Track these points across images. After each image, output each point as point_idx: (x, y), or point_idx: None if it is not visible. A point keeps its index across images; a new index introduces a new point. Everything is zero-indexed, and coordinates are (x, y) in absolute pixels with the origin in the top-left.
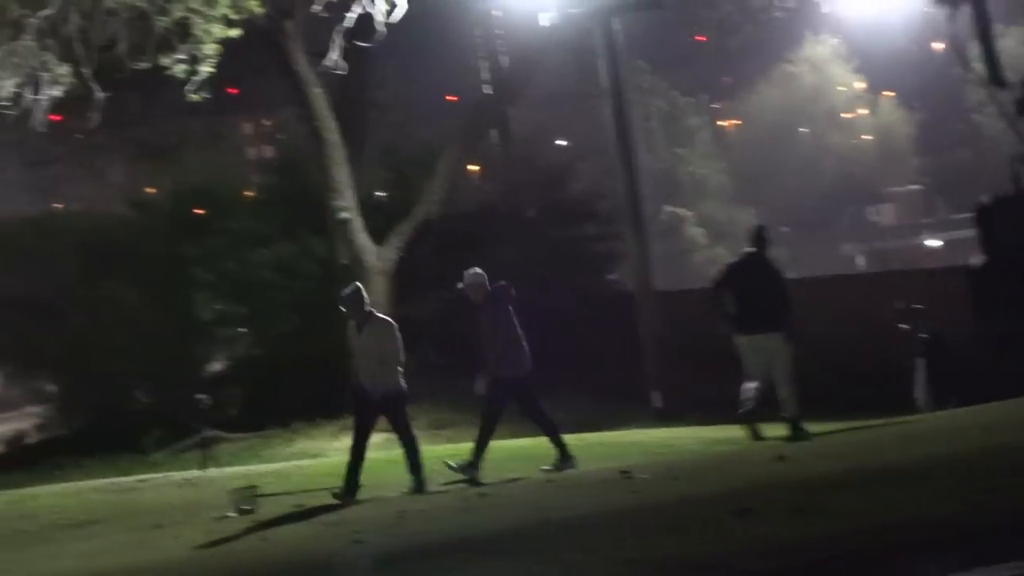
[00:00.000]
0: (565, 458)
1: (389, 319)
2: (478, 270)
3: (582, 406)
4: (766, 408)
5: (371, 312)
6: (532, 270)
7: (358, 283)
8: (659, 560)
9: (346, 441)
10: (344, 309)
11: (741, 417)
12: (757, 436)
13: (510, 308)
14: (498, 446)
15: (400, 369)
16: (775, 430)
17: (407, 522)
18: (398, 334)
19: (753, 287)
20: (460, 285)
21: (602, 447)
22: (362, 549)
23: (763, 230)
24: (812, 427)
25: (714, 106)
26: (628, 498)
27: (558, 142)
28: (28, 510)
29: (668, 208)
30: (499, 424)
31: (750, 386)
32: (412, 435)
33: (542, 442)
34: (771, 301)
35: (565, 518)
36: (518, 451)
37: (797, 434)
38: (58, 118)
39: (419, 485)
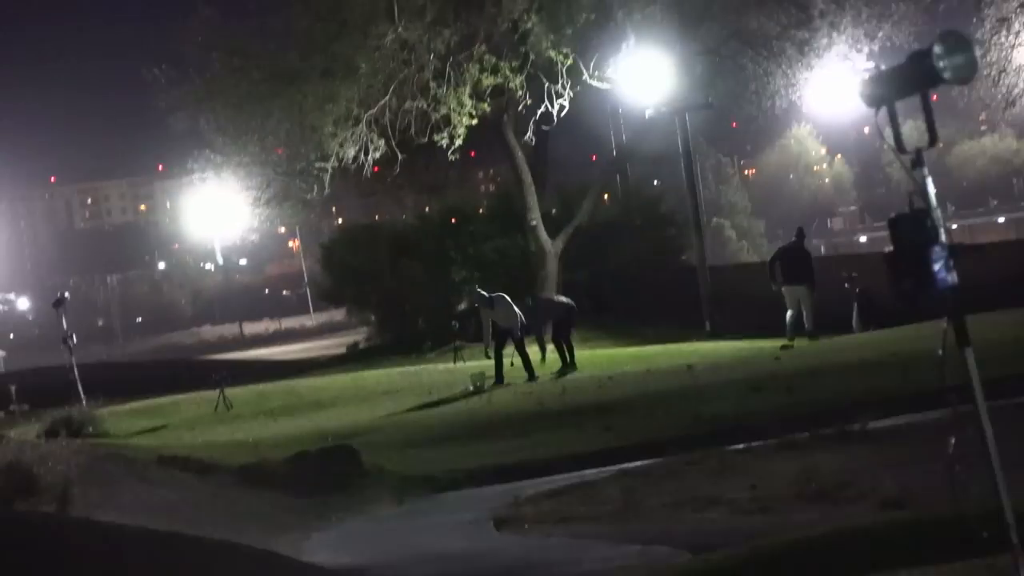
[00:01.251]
0: (564, 368)
1: (504, 296)
2: (479, 289)
3: (665, 329)
4: (797, 327)
5: (492, 297)
6: (639, 255)
7: (478, 290)
8: (711, 417)
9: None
10: (476, 302)
11: (788, 331)
12: (792, 342)
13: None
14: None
15: (519, 320)
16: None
17: (567, 393)
18: (511, 304)
19: (791, 259)
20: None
21: (677, 353)
22: (543, 408)
23: (802, 229)
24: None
25: (741, 161)
26: (692, 382)
27: (655, 182)
28: (363, 384)
29: (715, 219)
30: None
31: (790, 314)
32: (524, 352)
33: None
34: (802, 266)
35: (658, 391)
36: (629, 357)
37: (812, 340)
38: (376, 169)
39: (531, 377)
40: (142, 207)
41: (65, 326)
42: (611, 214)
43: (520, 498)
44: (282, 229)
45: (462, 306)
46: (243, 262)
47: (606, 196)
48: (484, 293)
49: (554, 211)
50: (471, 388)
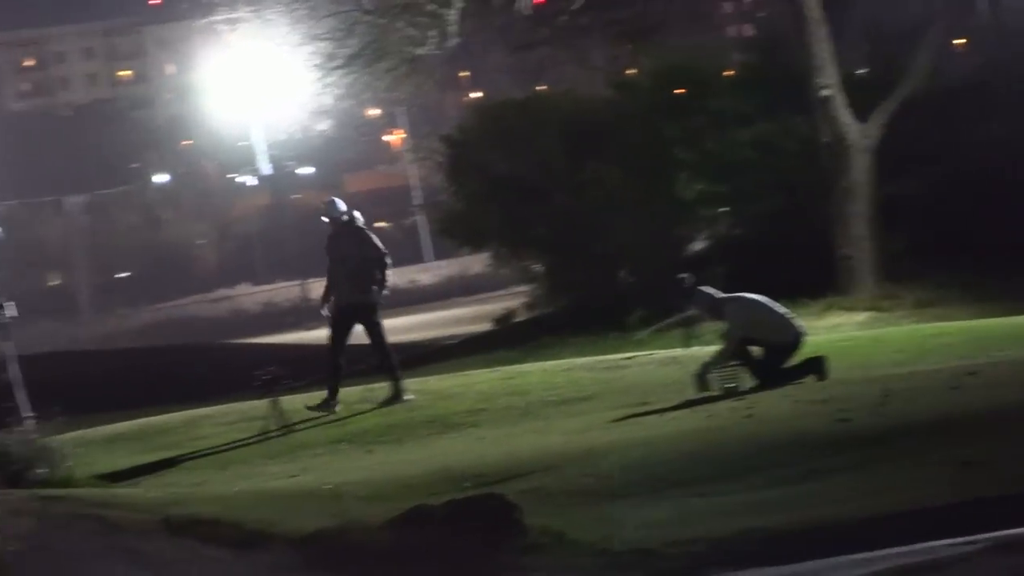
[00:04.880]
0: None
1: (747, 297)
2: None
3: None
4: None
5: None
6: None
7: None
8: None
9: (831, 320)
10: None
11: None
12: None
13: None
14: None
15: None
16: None
17: (892, 401)
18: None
19: None
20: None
21: None
22: (847, 428)
23: None
24: None
25: None
26: None
27: None
28: (518, 386)
29: None
30: None
31: None
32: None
33: None
34: None
35: None
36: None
37: None
38: (542, 0)
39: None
40: (124, 73)
41: None
42: (970, 74)
43: None
44: (375, 112)
45: (698, 245)
46: (304, 171)
47: (961, 41)
48: (710, 292)
49: (862, 72)
50: (718, 390)
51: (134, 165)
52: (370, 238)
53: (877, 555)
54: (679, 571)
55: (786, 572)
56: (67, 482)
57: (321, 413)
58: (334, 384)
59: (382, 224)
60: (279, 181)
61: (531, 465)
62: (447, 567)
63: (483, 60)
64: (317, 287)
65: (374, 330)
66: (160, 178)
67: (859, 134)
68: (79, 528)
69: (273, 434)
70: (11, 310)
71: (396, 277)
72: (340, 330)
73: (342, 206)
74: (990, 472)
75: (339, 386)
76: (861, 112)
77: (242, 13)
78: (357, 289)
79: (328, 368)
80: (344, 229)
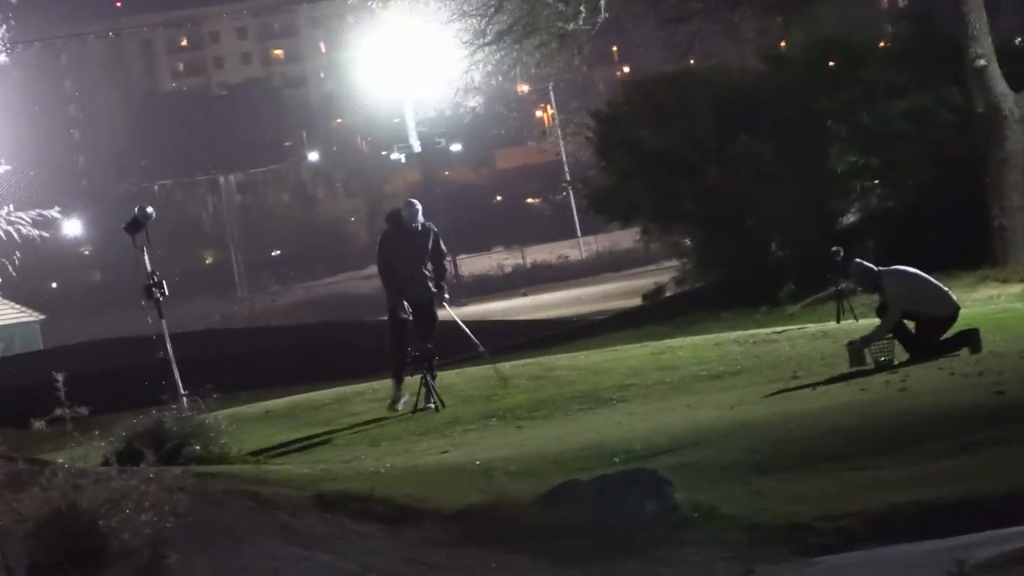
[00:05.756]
0: None
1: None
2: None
3: None
4: None
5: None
6: None
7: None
8: None
9: (986, 292)
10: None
11: None
12: None
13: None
14: None
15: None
16: None
17: None
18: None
19: None
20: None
21: None
22: (1001, 400)
23: None
24: None
25: None
26: None
27: None
28: (668, 361)
29: None
30: None
31: None
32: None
33: None
34: None
35: None
36: None
37: None
38: None
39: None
40: (276, 52)
41: (149, 267)
42: None
43: (968, 564)
44: (524, 88)
45: (849, 218)
46: (455, 148)
47: None
48: (868, 265)
49: (1018, 42)
50: (871, 363)
51: (287, 143)
52: (439, 236)
53: None
54: (830, 546)
55: (946, 545)
56: (221, 459)
57: (426, 406)
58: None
59: (533, 200)
60: (430, 158)
61: (681, 440)
62: (597, 543)
63: (633, 34)
64: (468, 262)
65: (431, 326)
66: (312, 156)
67: (1015, 104)
68: (233, 504)
69: (423, 410)
70: (165, 289)
71: (547, 253)
72: (402, 326)
73: (420, 215)
74: None
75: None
76: (1017, 82)
77: None
78: (425, 286)
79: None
80: (417, 229)
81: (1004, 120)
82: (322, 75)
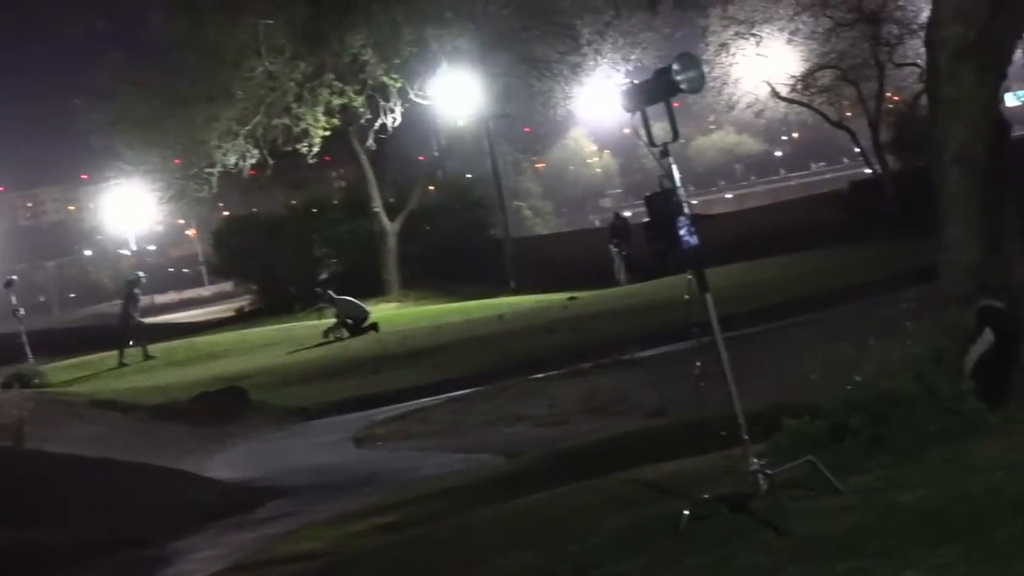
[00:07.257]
0: None
1: (347, 299)
2: None
3: (479, 288)
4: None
5: (337, 300)
6: (457, 230)
7: (329, 292)
8: (517, 353)
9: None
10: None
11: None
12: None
13: None
14: None
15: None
16: None
17: (407, 340)
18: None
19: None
20: None
21: (489, 306)
22: (388, 352)
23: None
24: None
25: (533, 157)
26: (501, 327)
27: (468, 175)
28: (247, 338)
29: (515, 202)
30: None
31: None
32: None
33: None
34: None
35: (475, 335)
36: (453, 310)
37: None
38: (252, 172)
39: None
40: (71, 208)
41: (15, 302)
42: (435, 200)
43: (373, 422)
44: (181, 220)
45: (323, 275)
46: (151, 247)
47: (431, 187)
48: (333, 294)
49: (392, 200)
50: (330, 339)
51: (76, 247)
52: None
53: (400, 406)
54: (317, 414)
55: (364, 414)
56: (48, 385)
57: None
58: None
59: (187, 270)
60: (140, 252)
61: (252, 373)
62: (217, 417)
63: (229, 196)
64: (158, 297)
65: None
66: (87, 252)
67: (391, 227)
68: (55, 405)
69: (139, 362)
70: (23, 311)
71: (192, 293)
72: None
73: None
74: (446, 369)
75: None
76: (391, 217)
77: (122, 180)
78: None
79: None
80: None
81: (386, 235)
82: (92, 217)
